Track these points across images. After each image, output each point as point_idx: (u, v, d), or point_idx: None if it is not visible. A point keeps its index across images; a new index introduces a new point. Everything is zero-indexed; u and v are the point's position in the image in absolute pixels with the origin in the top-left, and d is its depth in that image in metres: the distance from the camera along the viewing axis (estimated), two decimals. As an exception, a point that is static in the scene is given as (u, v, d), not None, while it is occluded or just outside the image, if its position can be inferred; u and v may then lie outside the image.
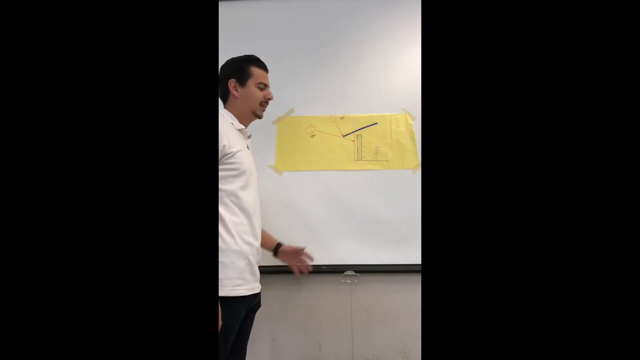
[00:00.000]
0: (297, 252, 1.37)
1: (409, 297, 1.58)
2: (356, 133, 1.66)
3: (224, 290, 1.00)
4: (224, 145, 1.05)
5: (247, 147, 1.20)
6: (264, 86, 1.23)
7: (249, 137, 1.26)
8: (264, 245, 1.32)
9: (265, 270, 1.50)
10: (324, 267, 1.54)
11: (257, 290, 1.13)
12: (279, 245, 1.38)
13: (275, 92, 1.59)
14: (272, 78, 1.65)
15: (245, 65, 1.23)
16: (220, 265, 1.00)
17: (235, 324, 1.06)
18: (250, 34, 1.75)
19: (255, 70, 1.22)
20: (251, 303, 1.12)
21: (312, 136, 1.66)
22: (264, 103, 1.23)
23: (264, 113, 1.27)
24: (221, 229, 1.04)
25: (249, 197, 1.11)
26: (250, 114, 1.22)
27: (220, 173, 1.05)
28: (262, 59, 1.30)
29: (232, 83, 1.21)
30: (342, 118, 1.68)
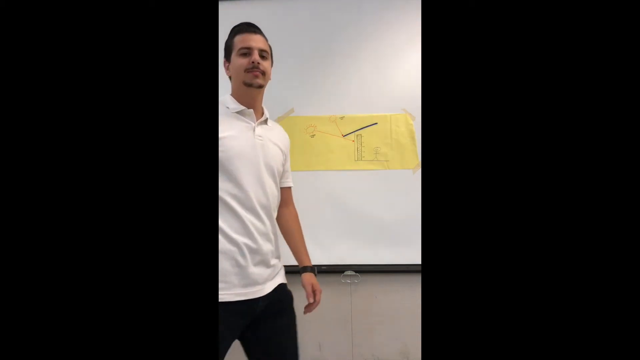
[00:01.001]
0: (309, 293, 1.14)
1: (408, 297, 1.58)
2: (356, 133, 1.67)
3: None
4: None
5: (253, 130, 1.04)
6: (246, 50, 1.05)
7: (264, 120, 1.11)
8: (295, 256, 1.20)
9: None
10: (324, 267, 1.55)
11: (255, 295, 0.98)
12: (304, 269, 1.18)
13: (275, 92, 1.58)
14: (272, 78, 1.65)
15: (228, 41, 1.10)
16: None
17: (224, 332, 0.91)
18: (250, 34, 1.75)
19: (236, 39, 1.08)
20: (251, 309, 0.98)
21: (312, 136, 1.66)
22: (251, 69, 1.03)
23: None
24: None
25: (237, 189, 0.97)
26: (244, 88, 1.05)
27: None
28: None
29: (224, 65, 1.10)
30: (342, 118, 1.68)
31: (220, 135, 0.95)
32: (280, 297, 1.06)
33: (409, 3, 1.68)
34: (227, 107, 1.04)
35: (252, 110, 1.06)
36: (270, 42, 1.71)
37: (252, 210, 0.99)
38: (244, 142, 1.01)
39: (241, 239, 0.96)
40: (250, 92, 1.05)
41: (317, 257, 1.48)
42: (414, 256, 1.56)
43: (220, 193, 0.95)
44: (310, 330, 1.55)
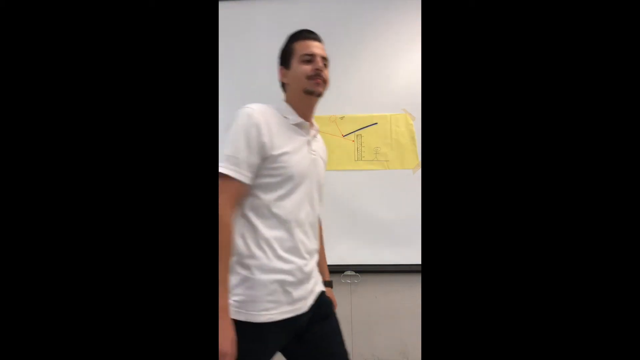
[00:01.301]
0: None
1: (408, 297, 1.58)
2: (356, 133, 1.67)
3: (246, 314, 0.87)
4: (264, 143, 0.90)
5: (308, 144, 1.01)
6: (309, 57, 1.00)
7: (315, 133, 1.07)
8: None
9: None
10: (324, 267, 1.55)
11: (300, 311, 0.95)
12: (324, 283, 1.16)
13: (275, 92, 1.57)
14: (272, 77, 1.65)
15: (286, 46, 1.06)
16: (245, 284, 0.89)
17: (269, 349, 0.93)
18: (250, 34, 1.75)
19: (296, 45, 1.03)
20: (297, 324, 0.95)
21: (312, 136, 1.66)
22: (314, 76, 0.99)
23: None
24: (251, 243, 0.91)
25: (293, 206, 0.94)
26: (303, 96, 1.00)
27: (258, 180, 0.91)
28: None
29: (280, 71, 1.07)
30: (342, 118, 1.68)
31: (277, 150, 0.92)
32: (321, 304, 1.04)
33: (409, 3, 1.68)
34: (286, 117, 0.99)
35: (308, 123, 1.03)
36: (270, 42, 1.71)
37: (302, 228, 0.96)
38: (302, 159, 0.97)
39: (290, 257, 0.93)
40: (310, 100, 1.02)
41: (317, 257, 1.49)
42: (414, 256, 1.56)
43: (275, 209, 0.92)
44: (310, 330, 1.55)
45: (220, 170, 0.88)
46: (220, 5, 1.67)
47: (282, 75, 1.06)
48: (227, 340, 0.81)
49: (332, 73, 1.68)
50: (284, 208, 0.93)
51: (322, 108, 1.68)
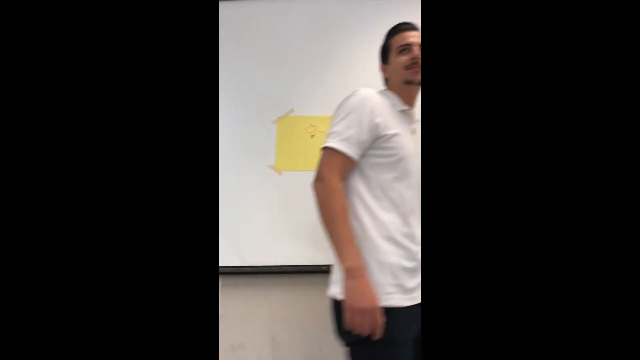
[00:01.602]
0: None
1: (409, 297, 1.57)
2: (356, 133, 1.66)
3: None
4: (377, 123, 0.91)
5: (412, 132, 1.03)
6: (406, 47, 1.02)
7: (416, 123, 1.08)
8: None
9: (267, 271, 1.50)
10: (324, 267, 1.54)
11: (419, 300, 0.91)
12: None
13: (275, 92, 1.57)
14: (272, 77, 1.65)
15: (384, 43, 1.10)
16: (369, 268, 0.86)
17: (406, 337, 0.87)
18: (250, 34, 1.75)
19: (393, 39, 1.06)
20: (419, 315, 0.88)
21: (312, 136, 1.66)
22: (411, 66, 1.00)
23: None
24: (368, 225, 0.88)
25: (406, 190, 0.93)
26: (404, 87, 1.03)
27: (372, 159, 0.92)
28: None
29: (381, 68, 1.11)
30: (342, 118, 1.67)
31: (390, 130, 0.93)
32: None
33: (409, 3, 1.67)
34: (392, 104, 1.01)
35: (412, 110, 1.05)
36: (270, 42, 1.72)
37: (414, 214, 0.95)
38: (410, 144, 0.98)
39: (406, 243, 0.91)
40: (411, 90, 1.04)
41: (317, 257, 1.48)
42: (414, 256, 1.56)
43: (390, 192, 0.91)
44: (311, 331, 1.55)
45: (329, 144, 0.90)
46: (220, 5, 1.67)
47: (383, 71, 1.10)
48: (371, 297, 0.81)
49: (332, 72, 1.69)
50: (398, 191, 0.92)
51: (323, 108, 1.69)
